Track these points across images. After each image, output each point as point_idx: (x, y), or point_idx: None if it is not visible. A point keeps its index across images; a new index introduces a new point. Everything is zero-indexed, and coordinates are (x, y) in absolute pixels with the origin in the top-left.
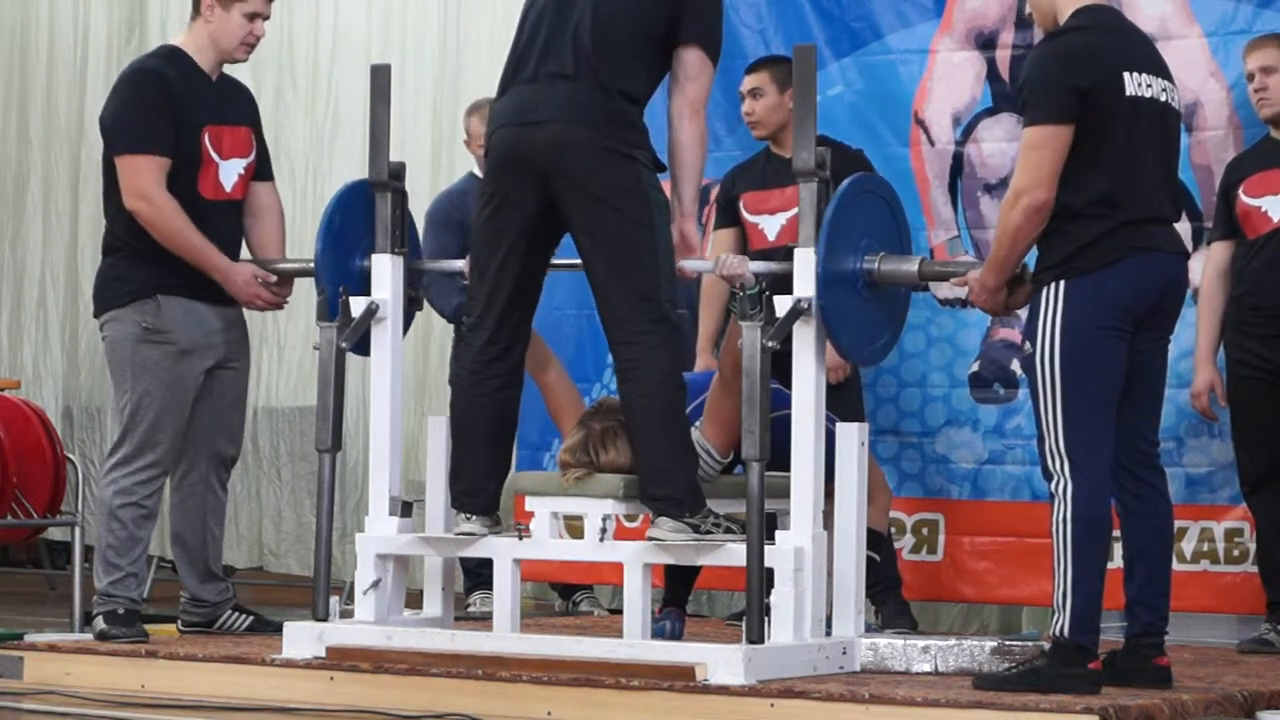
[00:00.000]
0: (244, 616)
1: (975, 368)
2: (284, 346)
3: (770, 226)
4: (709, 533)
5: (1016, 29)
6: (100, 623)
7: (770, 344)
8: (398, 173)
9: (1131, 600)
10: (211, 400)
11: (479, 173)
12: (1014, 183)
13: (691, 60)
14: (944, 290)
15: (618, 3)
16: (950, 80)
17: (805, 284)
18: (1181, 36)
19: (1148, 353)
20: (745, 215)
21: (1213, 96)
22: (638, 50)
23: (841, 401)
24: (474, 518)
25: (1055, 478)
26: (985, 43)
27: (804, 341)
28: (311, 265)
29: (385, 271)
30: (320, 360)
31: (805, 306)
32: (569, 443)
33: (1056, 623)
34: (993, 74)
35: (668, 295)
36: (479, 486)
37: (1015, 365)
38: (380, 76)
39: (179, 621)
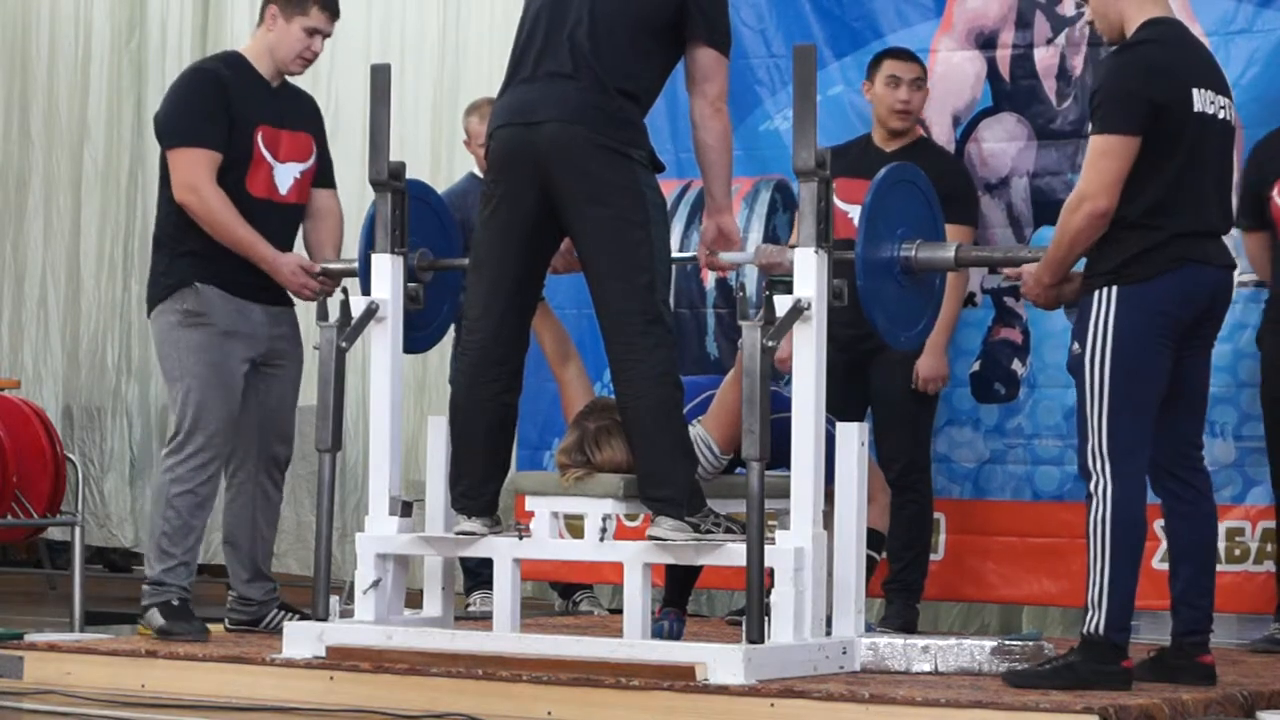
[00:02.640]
0: (290, 615)
1: (976, 367)
2: None
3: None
4: (709, 532)
5: (1016, 29)
6: (157, 616)
7: (770, 344)
8: (398, 173)
9: (1176, 600)
10: (259, 398)
11: (479, 173)
12: (1079, 187)
13: (706, 60)
14: None
15: (616, 1)
16: (950, 80)
17: (805, 283)
18: None
19: (1190, 359)
20: (835, 201)
21: None
22: (638, 47)
23: (914, 424)
24: (474, 518)
25: (1094, 478)
26: (985, 43)
27: (804, 341)
28: (356, 266)
29: (385, 271)
30: (320, 360)
31: (805, 306)
32: (564, 443)
33: (1091, 620)
34: (993, 74)
35: (663, 295)
36: (479, 489)
37: (1016, 365)
38: (380, 76)
39: (225, 620)
